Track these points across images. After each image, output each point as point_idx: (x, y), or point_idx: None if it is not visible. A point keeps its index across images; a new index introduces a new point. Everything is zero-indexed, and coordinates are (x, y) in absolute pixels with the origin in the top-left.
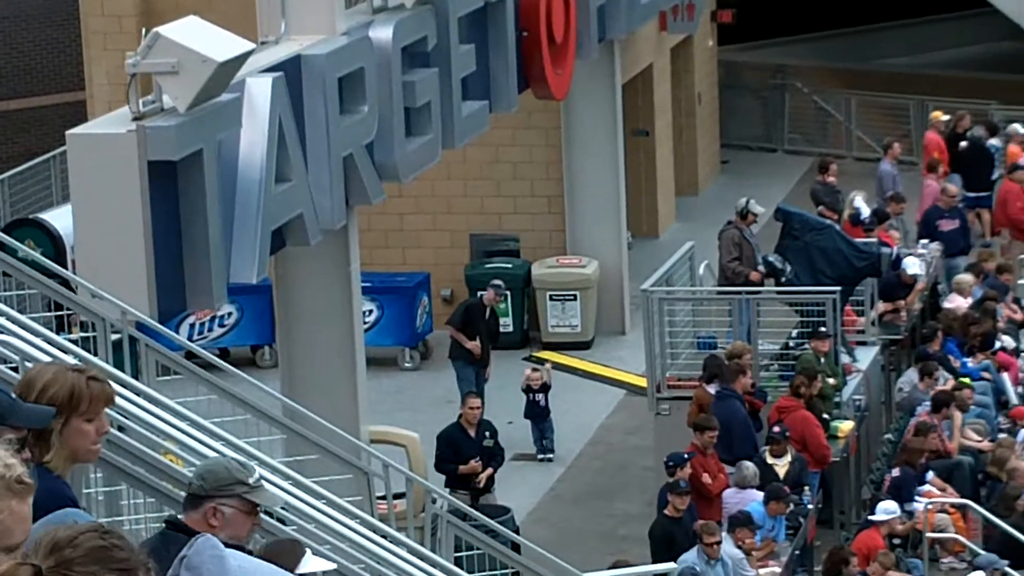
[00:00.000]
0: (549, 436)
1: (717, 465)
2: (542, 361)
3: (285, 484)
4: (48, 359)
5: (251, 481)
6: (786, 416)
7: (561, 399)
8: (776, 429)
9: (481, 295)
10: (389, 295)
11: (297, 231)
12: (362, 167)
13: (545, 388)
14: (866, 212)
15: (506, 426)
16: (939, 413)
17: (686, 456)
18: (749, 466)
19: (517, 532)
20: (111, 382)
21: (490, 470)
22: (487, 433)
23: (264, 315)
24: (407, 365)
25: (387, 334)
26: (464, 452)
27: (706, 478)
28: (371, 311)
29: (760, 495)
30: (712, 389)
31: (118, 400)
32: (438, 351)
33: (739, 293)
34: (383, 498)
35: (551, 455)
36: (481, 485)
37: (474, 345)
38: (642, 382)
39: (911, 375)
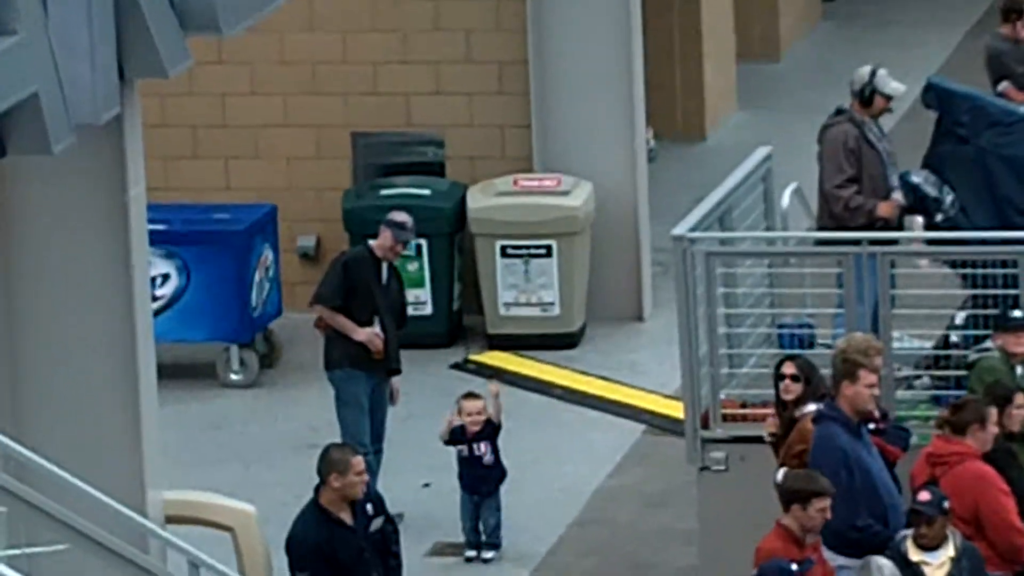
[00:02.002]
0: (492, 518)
1: (823, 566)
2: (487, 371)
3: None
4: None
5: None
6: (946, 472)
7: (523, 442)
8: (926, 496)
9: (370, 243)
10: (201, 248)
11: (28, 127)
12: (149, 9)
13: (491, 430)
14: None
15: (420, 491)
16: None
17: (795, 568)
18: (885, 566)
19: None
20: None
21: None
22: (369, 508)
23: None
24: (235, 378)
25: (199, 320)
26: (340, 558)
27: None
28: (168, 277)
29: None
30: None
31: None
32: (294, 351)
33: (857, 243)
34: None
35: (493, 551)
36: None
37: (368, 334)
38: (675, 409)
39: None
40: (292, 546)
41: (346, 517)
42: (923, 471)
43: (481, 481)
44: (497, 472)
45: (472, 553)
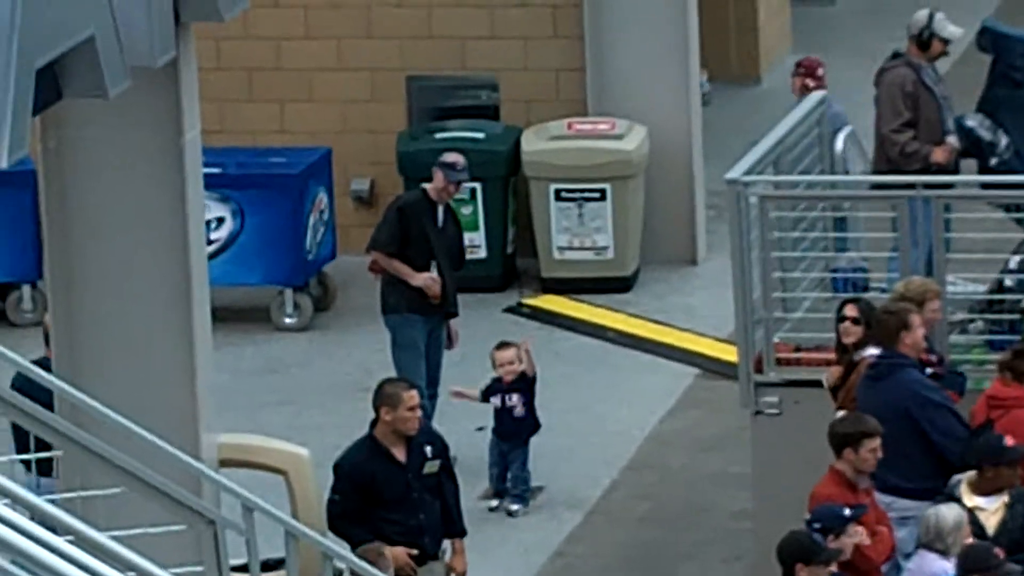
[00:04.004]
0: (518, 470)
1: (876, 511)
2: (541, 315)
3: (58, 542)
4: None
5: None
6: (1003, 415)
7: (576, 386)
8: (988, 443)
9: (425, 188)
10: (257, 191)
11: (83, 71)
12: None
13: (526, 383)
14: None
15: (474, 434)
16: None
17: (848, 513)
18: (948, 513)
19: None
20: None
21: (451, 548)
22: (427, 450)
23: (20, 231)
24: (288, 321)
25: (253, 264)
26: (385, 494)
27: (859, 535)
28: (223, 221)
29: (950, 565)
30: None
31: None
32: (348, 294)
33: (912, 187)
34: (243, 570)
35: (519, 504)
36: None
37: (426, 279)
38: (729, 353)
39: None
40: (336, 468)
41: (398, 453)
42: (981, 413)
43: (511, 433)
44: (528, 425)
45: (495, 503)
